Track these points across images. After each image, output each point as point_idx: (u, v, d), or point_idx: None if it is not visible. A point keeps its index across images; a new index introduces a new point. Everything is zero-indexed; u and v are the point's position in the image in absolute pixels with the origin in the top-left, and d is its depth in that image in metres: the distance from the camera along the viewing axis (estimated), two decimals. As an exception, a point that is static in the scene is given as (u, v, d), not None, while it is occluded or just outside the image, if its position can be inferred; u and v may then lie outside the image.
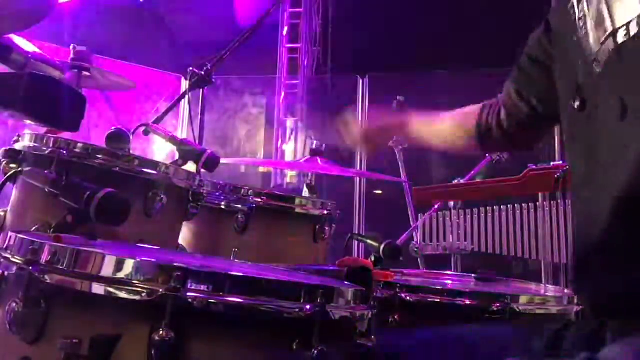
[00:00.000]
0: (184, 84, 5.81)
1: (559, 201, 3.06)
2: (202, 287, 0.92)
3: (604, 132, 1.09)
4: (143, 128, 2.16)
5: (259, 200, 2.11)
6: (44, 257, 0.96)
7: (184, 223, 1.92)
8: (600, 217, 1.06)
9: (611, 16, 1.06)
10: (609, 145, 1.07)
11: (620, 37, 1.04)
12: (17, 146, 1.69)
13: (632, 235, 1.00)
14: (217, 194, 2.12)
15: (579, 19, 1.14)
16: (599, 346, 0.99)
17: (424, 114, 1.79)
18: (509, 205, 3.18)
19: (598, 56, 1.08)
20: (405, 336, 1.31)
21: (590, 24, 1.11)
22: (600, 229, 1.06)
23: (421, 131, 1.77)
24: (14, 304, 0.94)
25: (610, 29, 1.06)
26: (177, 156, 2.00)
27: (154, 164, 1.74)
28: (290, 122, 6.42)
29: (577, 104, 1.12)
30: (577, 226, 1.19)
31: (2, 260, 1.01)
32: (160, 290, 0.89)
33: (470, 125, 1.62)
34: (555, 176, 2.89)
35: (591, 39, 1.10)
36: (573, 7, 1.16)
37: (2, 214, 1.71)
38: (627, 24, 1.03)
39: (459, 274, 2.66)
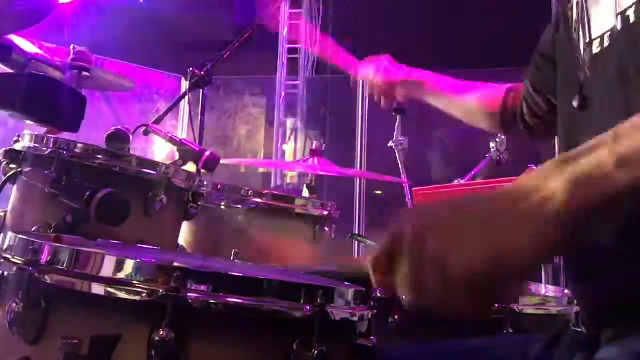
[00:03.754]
0: (184, 84, 5.80)
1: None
2: (202, 287, 0.92)
3: (598, 133, 1.09)
4: (143, 128, 2.16)
5: (259, 200, 2.11)
6: (44, 257, 0.96)
7: (184, 223, 1.92)
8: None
9: (589, 26, 1.07)
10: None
11: (595, 48, 1.05)
12: (17, 146, 1.69)
13: (626, 239, 1.00)
14: (217, 194, 2.12)
15: (574, 21, 1.15)
16: (595, 350, 0.99)
17: (442, 79, 1.76)
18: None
19: (585, 61, 1.09)
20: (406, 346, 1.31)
21: (579, 28, 1.12)
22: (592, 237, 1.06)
23: (439, 99, 1.75)
24: (14, 304, 0.94)
25: (588, 38, 1.07)
26: (177, 156, 2.00)
27: (154, 164, 1.74)
28: (290, 123, 6.42)
29: (577, 103, 1.12)
30: None
31: (2, 260, 1.01)
32: (160, 290, 0.89)
33: (495, 111, 1.61)
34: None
35: (581, 44, 1.11)
36: (571, 8, 1.17)
37: (2, 214, 1.71)
38: (601, 36, 1.04)
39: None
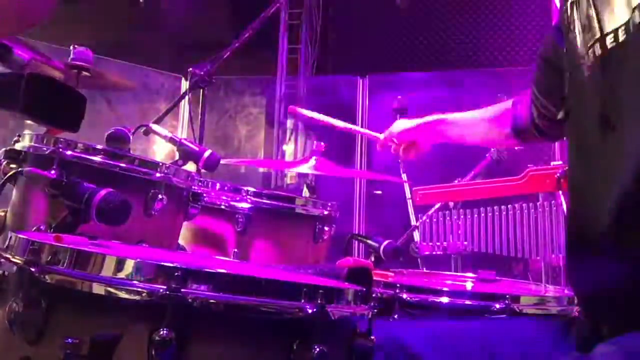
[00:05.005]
0: (184, 84, 5.81)
1: (559, 201, 3.06)
2: (202, 287, 0.92)
3: (588, 139, 1.10)
4: (143, 128, 2.16)
5: (259, 200, 2.11)
6: (44, 257, 0.96)
7: (184, 223, 1.92)
8: (591, 219, 1.06)
9: (599, 21, 1.06)
10: (594, 152, 1.08)
11: (609, 43, 1.05)
12: (18, 146, 1.69)
13: (620, 237, 1.00)
14: (217, 194, 2.12)
15: (570, 22, 1.14)
16: (592, 346, 1.00)
17: (450, 115, 1.84)
18: (509, 205, 3.18)
19: (585, 60, 1.09)
20: (409, 330, 1.32)
21: (578, 27, 1.11)
22: (591, 231, 1.07)
23: (453, 131, 1.82)
24: (15, 304, 0.94)
25: (598, 34, 1.06)
26: (177, 156, 2.00)
27: (154, 164, 1.74)
28: (290, 123, 6.41)
29: (561, 114, 1.13)
30: (569, 227, 1.20)
31: (2, 260, 1.01)
32: (160, 290, 0.89)
33: (506, 125, 1.66)
34: (556, 176, 2.89)
35: (579, 43, 1.11)
36: (567, 10, 1.16)
37: (2, 214, 1.71)
38: (616, 30, 1.03)
39: (459, 274, 2.66)
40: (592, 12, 1.08)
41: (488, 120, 1.72)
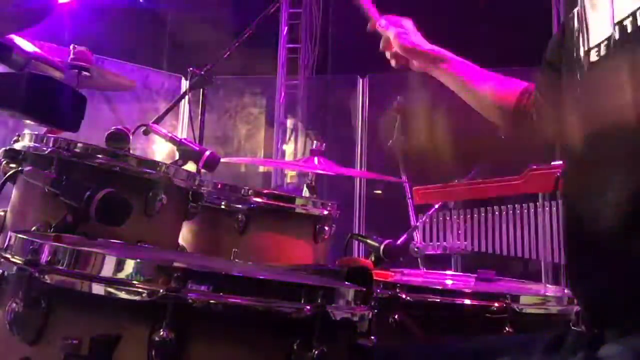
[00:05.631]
0: (184, 84, 5.81)
1: (559, 201, 3.06)
2: (202, 287, 0.92)
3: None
4: (143, 128, 2.16)
5: (259, 200, 2.11)
6: (44, 257, 0.96)
7: (184, 223, 1.92)
8: (600, 221, 1.06)
9: (587, 34, 1.08)
10: (590, 159, 1.08)
11: (593, 57, 1.06)
12: (17, 146, 1.69)
13: (623, 242, 1.00)
14: (217, 194, 2.12)
15: (574, 30, 1.15)
16: (597, 348, 0.99)
17: (460, 61, 1.74)
18: (509, 205, 3.18)
19: (582, 69, 1.10)
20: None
21: (580, 37, 1.12)
22: (600, 233, 1.07)
23: (453, 80, 1.74)
24: (14, 304, 0.94)
25: (587, 46, 1.08)
26: (177, 156, 2.00)
27: (154, 164, 1.74)
28: (290, 122, 6.42)
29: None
30: (570, 230, 1.20)
31: (2, 260, 1.01)
32: (160, 290, 0.89)
33: (508, 109, 1.58)
34: (556, 176, 2.89)
35: (581, 51, 1.11)
36: (573, 17, 1.17)
37: (2, 214, 1.71)
38: (599, 45, 1.04)
39: (459, 274, 2.66)
40: (584, 25, 1.09)
41: (491, 93, 1.60)
